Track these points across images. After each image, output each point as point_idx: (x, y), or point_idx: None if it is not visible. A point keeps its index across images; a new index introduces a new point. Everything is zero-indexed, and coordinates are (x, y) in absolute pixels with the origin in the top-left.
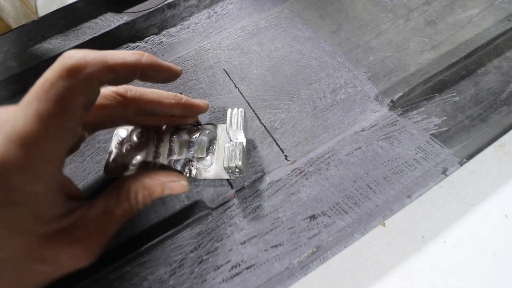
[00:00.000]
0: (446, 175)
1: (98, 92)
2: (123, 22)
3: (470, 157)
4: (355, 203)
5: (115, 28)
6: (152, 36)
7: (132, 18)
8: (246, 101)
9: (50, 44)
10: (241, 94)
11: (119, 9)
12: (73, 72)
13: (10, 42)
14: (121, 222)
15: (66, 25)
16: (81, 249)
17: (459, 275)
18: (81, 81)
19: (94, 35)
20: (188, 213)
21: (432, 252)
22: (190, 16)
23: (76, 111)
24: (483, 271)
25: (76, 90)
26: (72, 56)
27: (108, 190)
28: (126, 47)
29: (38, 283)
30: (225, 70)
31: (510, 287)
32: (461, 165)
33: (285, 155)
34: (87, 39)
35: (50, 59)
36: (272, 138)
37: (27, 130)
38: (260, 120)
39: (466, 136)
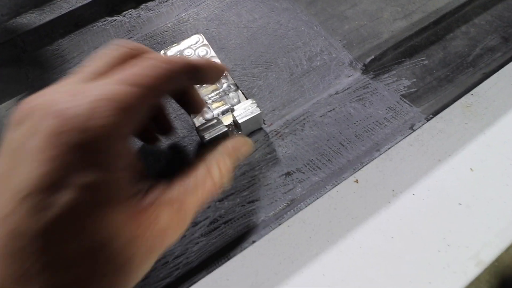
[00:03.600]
0: (414, 130)
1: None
2: None
3: (436, 113)
4: (328, 159)
5: (92, 1)
6: (130, 10)
7: None
8: None
9: (25, 19)
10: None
11: None
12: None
13: None
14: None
15: None
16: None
17: (426, 223)
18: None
19: (70, 8)
20: (167, 174)
21: (402, 204)
22: None
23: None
24: (449, 220)
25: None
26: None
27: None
28: (104, 21)
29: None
30: None
31: (474, 232)
32: (428, 120)
33: (262, 119)
34: (63, 12)
35: (25, 33)
36: None
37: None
38: (238, 87)
39: (433, 96)
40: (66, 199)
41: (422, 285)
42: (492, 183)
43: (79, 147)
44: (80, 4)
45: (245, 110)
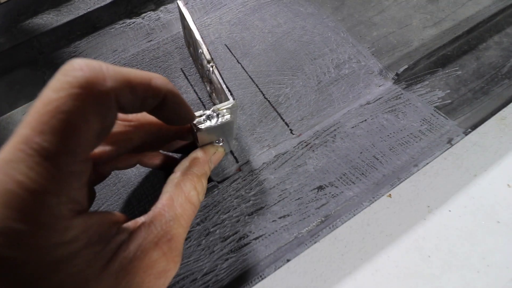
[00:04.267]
0: (452, 145)
1: (115, 116)
2: None
3: (474, 127)
4: (362, 173)
5: (111, 2)
6: (149, 12)
7: None
8: (249, 76)
9: (41, 19)
10: (244, 69)
11: None
12: (88, 88)
13: None
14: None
15: (58, 0)
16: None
17: (464, 242)
18: (97, 101)
19: (89, 9)
20: None
21: (437, 221)
22: None
23: (88, 140)
24: (487, 238)
25: (90, 113)
26: (84, 67)
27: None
28: (122, 23)
29: None
30: (226, 46)
31: None
32: (466, 134)
33: (290, 129)
34: (81, 14)
35: (42, 35)
36: (277, 112)
37: (32, 180)
38: (264, 95)
39: (469, 108)
40: None
41: None
42: None
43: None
44: (99, 6)
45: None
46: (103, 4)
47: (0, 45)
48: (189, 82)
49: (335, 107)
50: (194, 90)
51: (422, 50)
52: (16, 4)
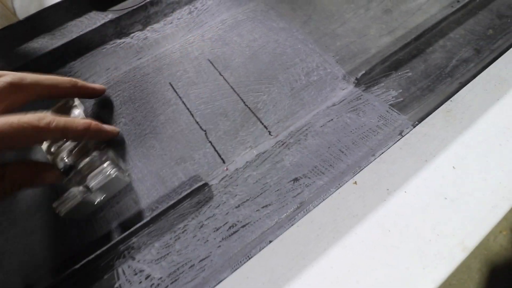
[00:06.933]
0: (402, 136)
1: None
2: (108, 19)
3: (421, 120)
4: (330, 165)
5: (101, 25)
6: (137, 32)
7: (117, 16)
8: (231, 86)
9: (37, 43)
10: (226, 81)
11: (103, 8)
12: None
13: None
14: None
15: (51, 25)
16: None
17: (418, 217)
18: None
19: (81, 33)
20: (186, 187)
21: (395, 201)
22: (172, 12)
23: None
24: (437, 213)
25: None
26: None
27: None
28: (113, 43)
29: None
30: (209, 60)
31: (459, 222)
32: (414, 127)
33: (269, 131)
34: (73, 37)
35: (38, 58)
36: (256, 117)
37: None
38: (244, 102)
39: (418, 104)
40: None
41: (417, 271)
42: (472, 179)
43: None
44: (90, 29)
45: (99, 174)
46: (94, 27)
47: None
48: (178, 95)
49: (306, 109)
50: (183, 102)
51: (379, 56)
52: (11, 30)
